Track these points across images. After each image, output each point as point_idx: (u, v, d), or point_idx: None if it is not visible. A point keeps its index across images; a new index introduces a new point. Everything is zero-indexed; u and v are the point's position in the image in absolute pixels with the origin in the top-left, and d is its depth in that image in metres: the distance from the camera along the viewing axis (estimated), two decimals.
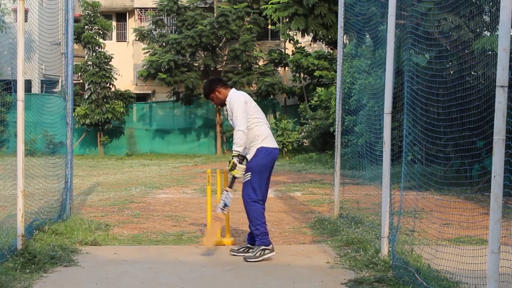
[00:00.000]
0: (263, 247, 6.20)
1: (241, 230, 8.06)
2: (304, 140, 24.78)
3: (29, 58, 6.88)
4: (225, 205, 6.47)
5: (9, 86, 6.70)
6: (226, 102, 6.46)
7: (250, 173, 6.22)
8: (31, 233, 6.80)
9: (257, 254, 6.19)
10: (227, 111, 6.50)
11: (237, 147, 6.24)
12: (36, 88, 23.22)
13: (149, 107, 28.59)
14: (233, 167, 6.27)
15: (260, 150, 6.24)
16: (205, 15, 27.03)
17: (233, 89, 6.55)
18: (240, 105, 6.30)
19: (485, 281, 3.95)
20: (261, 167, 6.25)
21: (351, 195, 9.09)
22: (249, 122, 6.27)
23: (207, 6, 27.96)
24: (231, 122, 6.42)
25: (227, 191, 6.46)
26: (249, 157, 6.29)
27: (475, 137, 5.88)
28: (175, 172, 18.00)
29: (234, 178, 6.43)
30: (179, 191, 12.69)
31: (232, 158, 6.27)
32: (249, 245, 6.52)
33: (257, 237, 6.27)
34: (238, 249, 6.54)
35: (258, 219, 6.25)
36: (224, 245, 7.01)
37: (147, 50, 26.92)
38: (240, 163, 6.27)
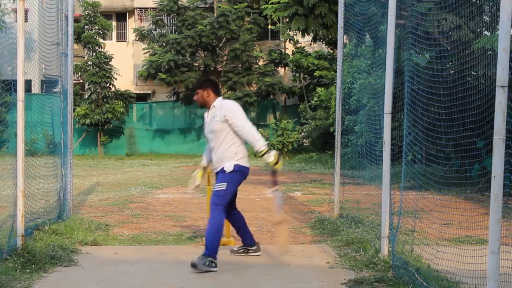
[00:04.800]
0: (210, 259, 5.93)
1: None
2: (304, 140, 24.79)
3: (29, 58, 6.88)
4: (280, 204, 6.35)
5: (9, 86, 6.69)
6: (213, 106, 6.27)
7: (226, 184, 6.10)
8: (31, 233, 6.81)
9: (207, 264, 5.89)
10: (214, 117, 6.24)
11: (263, 142, 6.17)
12: (36, 88, 23.22)
13: (149, 107, 28.60)
14: (277, 159, 6.20)
15: (237, 167, 6.13)
16: (205, 15, 27.05)
17: (220, 97, 6.40)
18: (243, 113, 6.25)
19: (485, 281, 3.95)
20: (236, 182, 6.18)
21: (351, 195, 9.09)
22: (231, 137, 6.17)
23: (207, 6, 27.97)
24: (215, 126, 6.20)
25: (275, 190, 6.35)
26: (226, 169, 6.12)
27: (475, 137, 5.89)
28: (175, 172, 18.00)
29: (275, 173, 6.35)
30: (179, 191, 12.69)
31: (270, 152, 6.18)
32: (247, 247, 6.53)
33: (207, 248, 5.98)
34: (238, 250, 6.57)
35: (218, 232, 6.06)
36: (224, 245, 7.01)
37: (147, 50, 26.92)
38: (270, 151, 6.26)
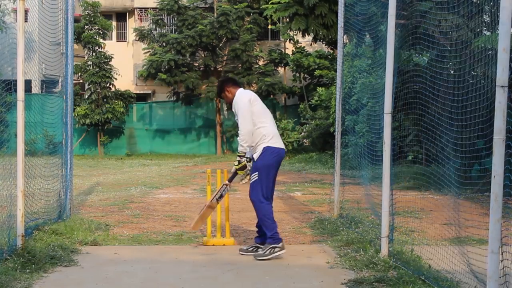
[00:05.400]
0: (273, 245, 6.23)
1: (242, 230, 8.06)
2: (304, 140, 24.78)
3: (29, 58, 6.89)
4: (221, 196, 6.69)
5: (9, 86, 6.69)
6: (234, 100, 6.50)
7: (257, 173, 6.25)
8: (31, 233, 6.81)
9: (267, 253, 6.23)
10: (234, 108, 6.51)
11: (241, 149, 6.35)
12: (36, 88, 23.21)
13: (149, 107, 28.60)
14: (243, 167, 6.41)
15: (266, 149, 6.25)
16: (206, 15, 27.05)
17: (241, 89, 6.56)
18: (243, 105, 6.32)
19: (485, 281, 3.95)
20: (268, 167, 6.27)
21: (351, 195, 9.09)
22: (254, 121, 6.27)
23: (207, 6, 27.98)
24: (238, 122, 6.45)
25: (226, 184, 6.62)
26: (255, 156, 6.30)
27: (476, 138, 5.88)
28: (175, 172, 18.00)
29: (235, 173, 6.56)
30: (179, 191, 12.69)
31: (241, 158, 6.38)
32: (257, 245, 6.51)
33: (268, 236, 6.28)
34: (247, 249, 6.52)
35: (269, 218, 6.28)
36: (224, 245, 7.02)
37: (147, 50, 26.93)
38: (248, 162, 6.41)
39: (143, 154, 26.88)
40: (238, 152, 6.41)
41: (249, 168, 6.42)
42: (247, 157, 6.39)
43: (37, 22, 7.50)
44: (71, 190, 8.47)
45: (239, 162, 6.41)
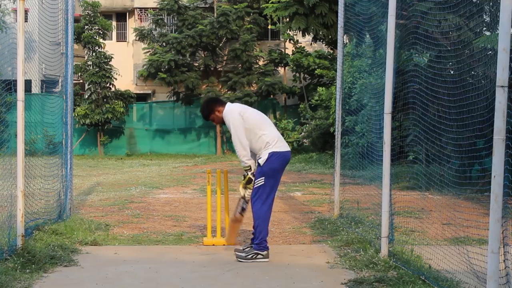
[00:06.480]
0: (257, 251, 6.23)
1: (242, 230, 8.05)
2: (304, 140, 24.77)
3: (29, 58, 6.89)
4: (243, 210, 6.56)
5: (10, 86, 6.70)
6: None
7: (263, 178, 6.20)
8: (31, 233, 6.81)
9: (249, 257, 6.22)
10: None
11: (243, 164, 6.31)
12: (36, 88, 23.20)
13: (149, 107, 28.60)
14: (249, 181, 6.33)
15: (272, 154, 6.21)
16: (206, 15, 27.07)
17: (228, 103, 6.52)
18: (234, 120, 6.27)
19: (485, 281, 3.95)
20: (274, 171, 6.24)
21: (351, 195, 9.09)
22: (254, 131, 6.25)
23: (207, 6, 27.99)
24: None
25: (243, 198, 6.49)
26: (261, 161, 6.24)
27: (476, 138, 5.89)
28: (175, 172, 18.00)
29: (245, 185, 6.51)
30: (179, 191, 12.69)
31: (247, 173, 6.31)
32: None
33: (255, 243, 6.27)
34: (243, 249, 6.51)
35: (264, 226, 6.26)
36: (224, 245, 7.02)
37: (147, 50, 26.93)
38: (254, 175, 6.33)
39: (143, 154, 26.88)
40: (243, 167, 6.36)
41: (247, 178, 6.40)
42: (252, 172, 6.32)
43: (37, 22, 7.50)
44: (71, 190, 8.47)
45: (244, 176, 6.37)
